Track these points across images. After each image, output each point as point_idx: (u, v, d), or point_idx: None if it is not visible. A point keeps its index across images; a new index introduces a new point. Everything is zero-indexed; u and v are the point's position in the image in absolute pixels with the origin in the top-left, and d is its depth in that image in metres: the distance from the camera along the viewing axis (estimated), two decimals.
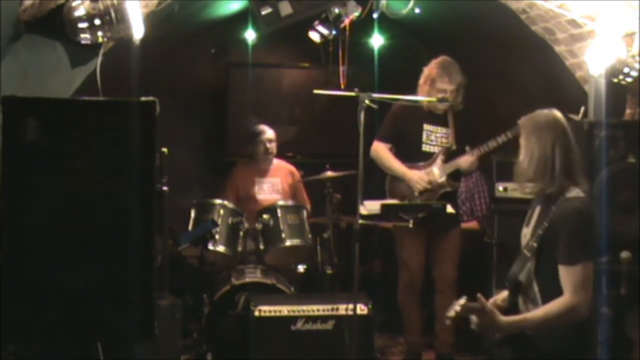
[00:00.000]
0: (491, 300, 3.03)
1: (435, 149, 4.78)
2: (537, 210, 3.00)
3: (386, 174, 4.90)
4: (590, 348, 2.93)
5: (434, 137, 4.80)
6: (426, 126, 4.80)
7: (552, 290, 2.81)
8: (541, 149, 2.88)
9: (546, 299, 2.84)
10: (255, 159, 5.72)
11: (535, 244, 2.88)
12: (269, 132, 5.68)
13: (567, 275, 2.78)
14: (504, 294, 3.05)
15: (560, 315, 2.78)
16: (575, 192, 2.86)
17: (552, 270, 2.82)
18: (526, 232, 3.03)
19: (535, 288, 2.89)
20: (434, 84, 4.68)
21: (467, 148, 4.72)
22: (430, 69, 4.74)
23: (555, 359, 2.87)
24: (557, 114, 3.00)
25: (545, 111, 3.00)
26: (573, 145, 2.92)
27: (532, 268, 2.90)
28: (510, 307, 2.96)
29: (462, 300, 2.82)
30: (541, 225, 2.89)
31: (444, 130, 4.80)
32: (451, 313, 2.81)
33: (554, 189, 2.88)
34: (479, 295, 2.81)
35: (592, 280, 2.79)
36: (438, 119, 4.79)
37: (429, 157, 4.78)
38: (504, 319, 2.81)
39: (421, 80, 4.77)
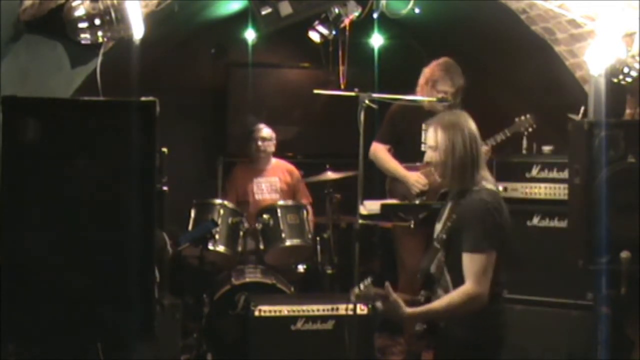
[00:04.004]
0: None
1: None
2: (449, 205, 3.11)
3: (386, 175, 4.90)
4: (500, 338, 3.03)
5: None
6: (425, 126, 4.79)
7: (462, 279, 2.91)
8: (455, 148, 3.00)
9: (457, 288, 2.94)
10: (251, 157, 5.74)
11: (444, 236, 3.01)
12: (264, 131, 5.68)
13: (470, 262, 2.88)
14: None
15: (463, 304, 2.87)
16: (483, 184, 3.00)
17: (461, 260, 2.93)
18: (437, 227, 3.15)
19: (447, 278, 3.00)
20: (435, 86, 4.67)
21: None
22: (432, 71, 4.72)
23: (467, 347, 2.97)
24: (461, 113, 3.15)
25: (456, 113, 3.15)
26: (479, 141, 3.06)
27: (442, 259, 3.02)
28: (425, 299, 3.05)
29: (367, 282, 2.94)
30: (450, 219, 3.01)
31: None
32: (353, 295, 2.99)
33: (465, 185, 3.01)
34: (387, 283, 2.92)
35: (492, 270, 2.89)
36: None
37: None
38: (408, 309, 2.90)
39: (422, 81, 4.76)
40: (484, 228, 2.89)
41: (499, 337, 3.04)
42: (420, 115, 4.78)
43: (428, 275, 3.09)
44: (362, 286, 2.94)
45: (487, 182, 3.04)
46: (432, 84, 4.69)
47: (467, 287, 2.88)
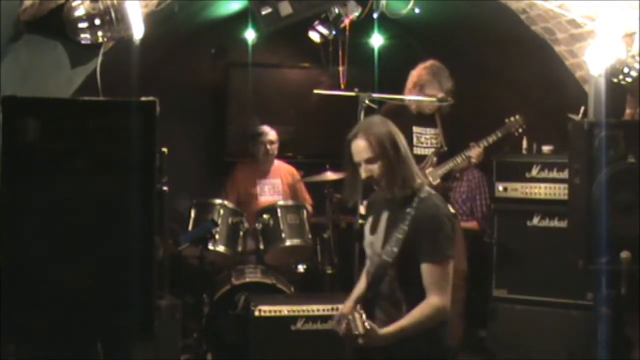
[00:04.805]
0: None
1: (427, 151, 4.72)
2: (385, 216, 2.91)
3: None
4: (451, 347, 3.00)
5: (424, 139, 4.75)
6: (415, 129, 4.74)
7: (416, 293, 2.76)
8: (397, 153, 2.86)
9: (411, 302, 2.78)
10: (255, 159, 5.73)
11: (395, 249, 2.77)
12: (271, 134, 5.69)
13: (433, 273, 2.73)
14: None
15: (432, 318, 2.74)
16: (427, 192, 2.85)
17: (417, 272, 2.76)
18: (373, 239, 2.93)
19: (399, 293, 2.82)
20: (424, 89, 4.63)
21: (472, 143, 4.70)
22: (419, 74, 4.68)
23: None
24: (381, 118, 3.03)
25: (376, 119, 3.02)
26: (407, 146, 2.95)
27: (394, 274, 2.81)
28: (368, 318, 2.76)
29: (361, 314, 2.68)
30: (397, 229, 2.79)
31: (433, 130, 4.76)
32: (360, 329, 2.65)
33: (406, 192, 2.84)
34: (358, 309, 2.77)
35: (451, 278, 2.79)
36: (426, 120, 4.75)
37: (420, 160, 4.70)
38: (382, 331, 2.70)
39: (409, 84, 4.71)
40: (443, 236, 2.75)
41: (450, 346, 2.95)
42: (409, 117, 4.73)
43: (376, 293, 2.88)
44: (362, 322, 2.66)
45: (426, 185, 2.91)
46: (419, 88, 4.65)
47: (434, 299, 2.73)
